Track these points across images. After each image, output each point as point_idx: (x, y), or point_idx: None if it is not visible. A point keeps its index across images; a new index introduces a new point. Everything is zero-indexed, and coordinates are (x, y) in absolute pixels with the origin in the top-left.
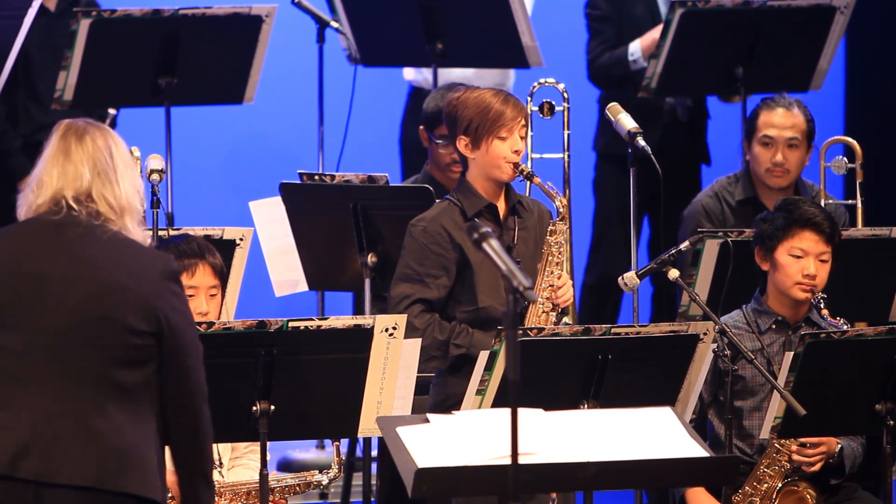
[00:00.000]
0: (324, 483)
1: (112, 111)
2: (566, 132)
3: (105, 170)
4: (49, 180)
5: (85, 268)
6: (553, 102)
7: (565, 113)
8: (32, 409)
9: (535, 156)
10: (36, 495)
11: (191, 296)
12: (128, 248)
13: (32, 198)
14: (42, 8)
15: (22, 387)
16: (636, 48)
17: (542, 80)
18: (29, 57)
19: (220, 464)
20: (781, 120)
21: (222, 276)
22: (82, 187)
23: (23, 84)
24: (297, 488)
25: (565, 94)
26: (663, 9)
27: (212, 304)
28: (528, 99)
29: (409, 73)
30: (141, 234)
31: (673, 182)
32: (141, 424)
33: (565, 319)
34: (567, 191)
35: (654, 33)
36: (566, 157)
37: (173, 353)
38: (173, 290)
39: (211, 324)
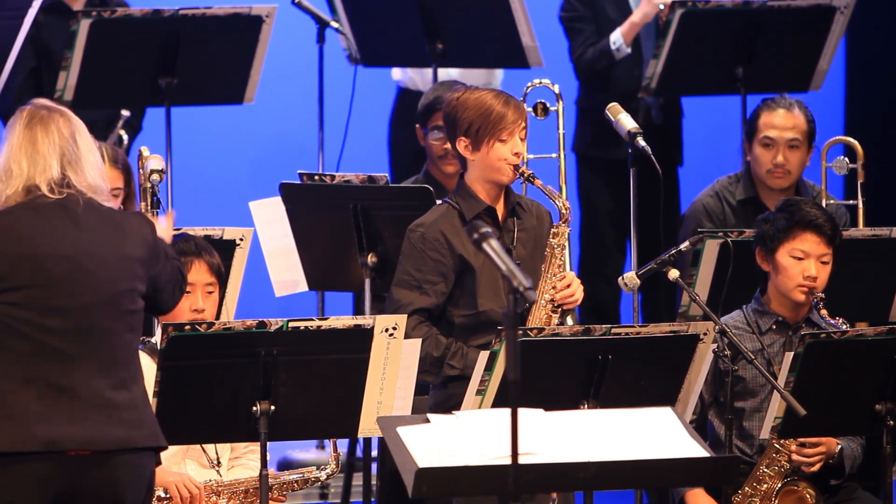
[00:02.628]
0: (322, 479)
1: (125, 113)
2: (560, 132)
3: (72, 158)
4: (18, 170)
5: (104, 244)
6: (547, 103)
7: (559, 113)
8: (89, 385)
9: (529, 156)
10: (89, 465)
11: (187, 292)
12: (123, 219)
13: (2, 187)
14: (64, 7)
15: (73, 365)
16: (616, 36)
17: (536, 81)
18: (56, 58)
19: (219, 463)
20: (782, 121)
21: (219, 274)
22: (53, 177)
23: (48, 85)
24: (295, 485)
25: (559, 95)
26: (634, 8)
27: (208, 301)
28: (522, 99)
29: (397, 74)
30: (114, 205)
31: (653, 185)
32: (141, 380)
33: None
34: (563, 191)
35: (634, 17)
36: (561, 157)
37: (156, 303)
38: (166, 248)
39: (211, 324)
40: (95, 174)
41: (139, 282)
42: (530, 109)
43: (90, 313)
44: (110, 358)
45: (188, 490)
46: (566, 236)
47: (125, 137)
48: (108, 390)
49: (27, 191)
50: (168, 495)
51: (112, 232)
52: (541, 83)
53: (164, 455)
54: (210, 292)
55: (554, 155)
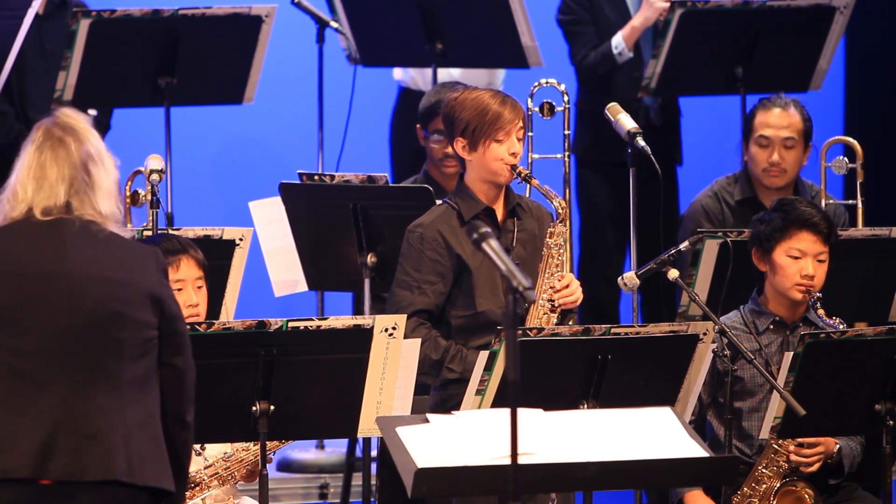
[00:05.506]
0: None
1: (92, 112)
2: (566, 132)
3: (81, 188)
4: (24, 195)
5: (91, 266)
6: (553, 103)
7: (565, 113)
8: (53, 409)
9: (535, 156)
10: (63, 495)
11: (179, 289)
12: (124, 245)
13: (8, 208)
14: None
15: (39, 388)
16: (618, 40)
17: (542, 81)
18: (22, 58)
19: (203, 447)
20: (777, 120)
21: (206, 268)
22: (57, 204)
23: (16, 85)
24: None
25: (566, 95)
26: (633, 10)
27: (199, 295)
28: (529, 99)
29: (398, 74)
30: (125, 233)
31: (652, 185)
32: (151, 416)
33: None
34: (567, 191)
35: (634, 22)
36: (566, 157)
37: (174, 337)
38: (166, 282)
39: (210, 324)
40: (107, 202)
41: (135, 309)
42: (536, 109)
43: (64, 337)
44: (86, 385)
45: None
46: (563, 236)
47: None
48: (74, 418)
49: (29, 214)
50: None
51: (106, 256)
52: (547, 83)
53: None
54: (200, 287)
55: (559, 155)
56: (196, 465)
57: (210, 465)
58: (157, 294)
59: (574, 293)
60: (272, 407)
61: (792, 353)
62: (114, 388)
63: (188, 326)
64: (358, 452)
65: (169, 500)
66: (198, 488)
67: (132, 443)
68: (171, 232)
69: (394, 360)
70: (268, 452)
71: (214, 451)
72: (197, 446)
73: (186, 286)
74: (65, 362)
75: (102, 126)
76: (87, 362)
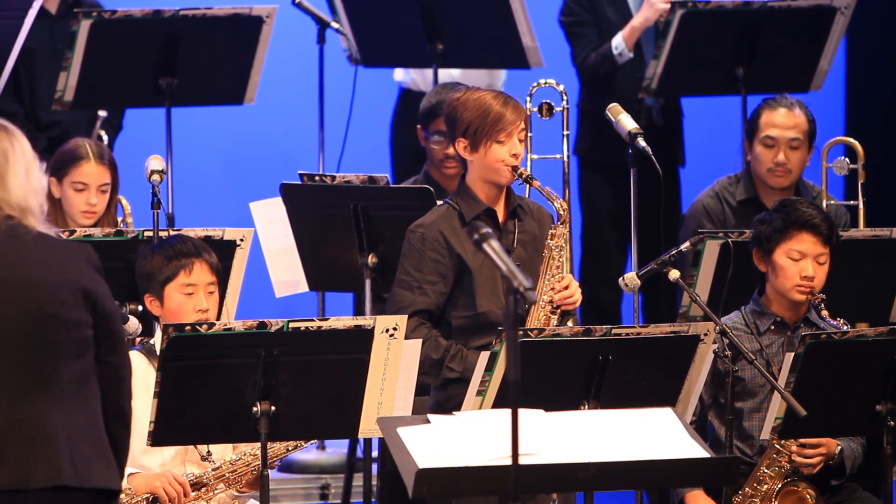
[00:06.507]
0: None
1: (102, 113)
2: (565, 133)
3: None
4: None
5: (21, 270)
6: (552, 103)
7: (564, 114)
8: None
9: (534, 157)
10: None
11: (189, 293)
12: (53, 244)
13: None
14: (42, 10)
15: None
16: (618, 41)
17: (541, 81)
18: (33, 59)
19: (209, 453)
20: (783, 120)
21: (219, 273)
22: None
23: (26, 86)
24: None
25: (564, 95)
26: (634, 11)
27: (210, 300)
28: (528, 99)
29: (399, 75)
30: (48, 230)
31: (654, 186)
32: (93, 415)
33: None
34: (566, 192)
35: (634, 22)
36: (565, 157)
37: (108, 336)
38: (100, 278)
39: (211, 324)
40: (25, 191)
41: (69, 309)
42: (535, 109)
43: (0, 344)
44: (26, 390)
45: (177, 487)
46: (564, 237)
47: (105, 137)
48: (16, 425)
49: None
50: (153, 497)
51: (35, 258)
52: (546, 83)
53: (164, 459)
54: (211, 292)
55: (559, 156)
56: (202, 468)
57: (217, 468)
58: (91, 290)
59: (574, 295)
60: (273, 407)
61: (793, 353)
62: (54, 390)
63: (187, 327)
64: (359, 453)
65: (114, 498)
66: (204, 489)
67: (76, 444)
68: (186, 234)
69: (394, 361)
70: (274, 459)
71: (219, 452)
72: (203, 449)
73: (198, 290)
74: (3, 369)
75: (114, 127)
76: (26, 367)
